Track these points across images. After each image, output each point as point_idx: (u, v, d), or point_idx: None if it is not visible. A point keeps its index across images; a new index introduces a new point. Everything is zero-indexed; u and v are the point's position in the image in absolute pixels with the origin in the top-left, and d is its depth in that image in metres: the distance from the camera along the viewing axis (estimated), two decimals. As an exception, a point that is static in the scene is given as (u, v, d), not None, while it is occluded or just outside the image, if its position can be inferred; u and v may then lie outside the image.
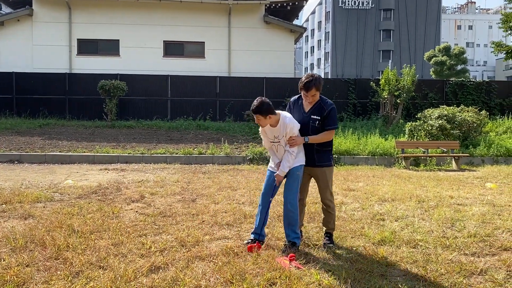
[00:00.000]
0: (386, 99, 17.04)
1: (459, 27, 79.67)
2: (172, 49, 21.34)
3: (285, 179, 4.45)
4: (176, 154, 12.51)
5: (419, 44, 64.53)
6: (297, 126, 4.30)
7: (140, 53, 20.81)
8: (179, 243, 4.43)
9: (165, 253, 4.14)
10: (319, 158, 4.50)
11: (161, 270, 3.70)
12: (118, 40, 20.92)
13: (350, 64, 64.38)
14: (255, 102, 4.21)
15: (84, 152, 12.14)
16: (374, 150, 12.80)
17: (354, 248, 4.43)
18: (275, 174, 4.41)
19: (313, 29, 75.76)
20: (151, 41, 20.90)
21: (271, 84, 19.05)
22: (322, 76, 67.33)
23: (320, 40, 72.31)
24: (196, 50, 21.34)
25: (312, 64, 77.35)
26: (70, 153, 12.01)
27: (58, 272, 3.61)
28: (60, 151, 12.21)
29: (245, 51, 21.15)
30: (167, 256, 4.02)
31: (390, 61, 57.01)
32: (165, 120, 18.12)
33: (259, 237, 4.44)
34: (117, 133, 15.41)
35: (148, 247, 4.28)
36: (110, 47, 21.03)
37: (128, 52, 20.85)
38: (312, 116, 4.42)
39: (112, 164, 11.33)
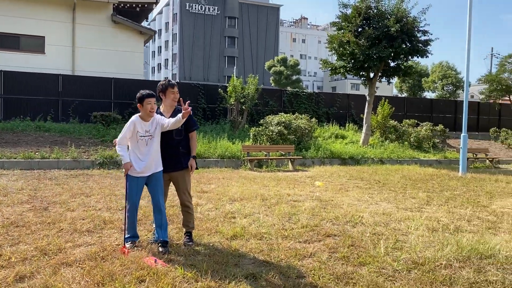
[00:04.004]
0: (233, 105, 18.31)
1: (294, 40, 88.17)
2: (6, 41, 19.17)
3: (150, 185, 4.78)
4: (15, 158, 11.54)
5: (260, 53, 69.52)
6: None
7: (-36, 43, 18.23)
8: (41, 252, 4.43)
9: (27, 262, 4.12)
10: (185, 160, 4.99)
11: (27, 279, 3.73)
12: None
13: (197, 67, 65.86)
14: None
15: None
16: (223, 153, 13.77)
17: (211, 244, 5.03)
18: (182, 113, 4.48)
19: (160, 29, 75.14)
20: (-21, 30, 18.49)
21: (121, 85, 18.65)
22: (170, 77, 67.42)
23: (168, 41, 72.16)
24: (34, 44, 19.58)
25: (159, 64, 76.62)
26: None
27: None
28: None
29: (91, 49, 20.23)
30: (30, 265, 4.02)
31: (235, 67, 60.13)
32: (-3, 121, 16.28)
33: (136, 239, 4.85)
34: None
35: (7, 258, 4.19)
36: None
37: None
38: None
39: None
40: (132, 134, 4.66)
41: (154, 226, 5.03)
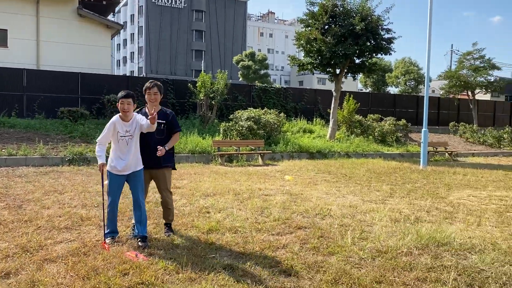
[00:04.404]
0: (202, 100, 18.42)
1: (261, 34, 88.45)
2: (-34, 34, 18.57)
3: (131, 183, 4.95)
4: (-20, 156, 11.28)
5: (228, 47, 69.35)
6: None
7: None
8: (22, 249, 4.53)
9: (10, 259, 4.23)
10: (165, 160, 5.18)
11: (12, 275, 3.85)
12: None
13: (164, 60, 65.03)
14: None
15: None
16: (194, 149, 13.92)
17: (189, 238, 5.25)
18: (149, 117, 4.68)
19: (126, 22, 73.56)
20: None
21: (88, 79, 18.38)
22: (136, 71, 66.41)
23: (134, 33, 70.76)
24: (-4, 37, 19.03)
25: (125, 58, 75.11)
26: None
27: None
28: None
29: (57, 43, 19.81)
30: (14, 262, 4.13)
31: (203, 61, 59.78)
32: (-42, 116, 15.77)
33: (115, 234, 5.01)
34: None
35: (-11, 256, 4.28)
36: None
37: None
38: (157, 120, 5.05)
39: None
40: (112, 134, 4.81)
41: (132, 221, 5.20)
